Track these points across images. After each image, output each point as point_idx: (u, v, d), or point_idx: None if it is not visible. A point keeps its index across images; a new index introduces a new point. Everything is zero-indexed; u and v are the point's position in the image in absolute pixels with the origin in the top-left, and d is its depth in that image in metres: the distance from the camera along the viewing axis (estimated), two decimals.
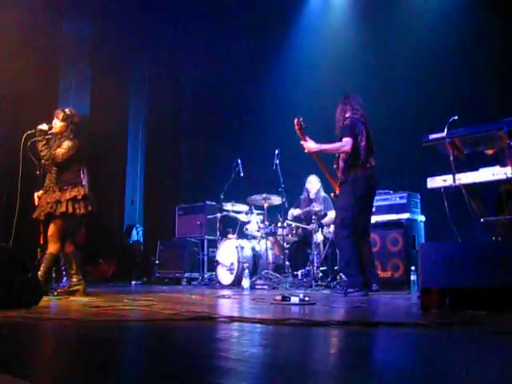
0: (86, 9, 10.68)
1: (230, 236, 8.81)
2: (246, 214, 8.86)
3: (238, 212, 9.02)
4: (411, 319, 3.45)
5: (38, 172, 5.92)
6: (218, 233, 9.08)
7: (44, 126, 5.80)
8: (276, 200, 8.49)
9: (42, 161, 5.84)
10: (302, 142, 6.18)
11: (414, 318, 3.68)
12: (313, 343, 2.57)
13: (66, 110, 5.97)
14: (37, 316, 3.53)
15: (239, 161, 8.78)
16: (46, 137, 5.83)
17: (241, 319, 3.29)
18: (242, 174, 8.75)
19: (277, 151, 8.12)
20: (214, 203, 9.61)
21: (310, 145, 6.11)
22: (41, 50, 9.09)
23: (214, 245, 9.34)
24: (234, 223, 9.12)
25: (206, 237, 9.64)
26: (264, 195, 8.40)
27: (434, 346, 2.40)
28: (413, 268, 6.87)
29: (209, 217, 9.49)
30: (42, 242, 6.24)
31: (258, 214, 8.69)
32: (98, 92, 11.14)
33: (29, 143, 5.72)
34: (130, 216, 12.46)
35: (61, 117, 5.89)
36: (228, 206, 8.94)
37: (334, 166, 6.28)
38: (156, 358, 2.11)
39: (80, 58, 11.31)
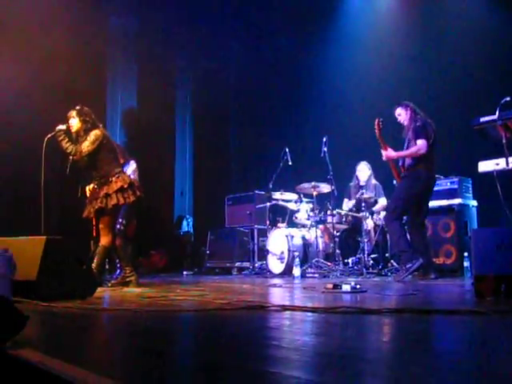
0: (132, 3, 10.78)
1: (279, 225, 8.81)
2: (296, 202, 8.83)
3: (288, 201, 9.01)
4: (465, 306, 3.40)
5: (67, 170, 5.92)
6: (268, 222, 9.08)
7: (62, 126, 5.76)
8: (325, 188, 8.45)
9: (70, 157, 5.78)
10: (382, 151, 6.46)
11: (468, 305, 3.62)
12: (365, 331, 2.56)
13: (77, 107, 5.90)
14: (92, 307, 3.61)
15: (287, 149, 8.75)
16: (66, 137, 5.77)
17: (292, 308, 3.30)
18: (290, 163, 8.72)
19: (324, 139, 8.07)
20: (263, 192, 9.60)
21: (389, 154, 6.41)
22: (88, 45, 9.22)
23: (263, 234, 9.34)
24: (283, 212, 9.11)
25: (256, 226, 9.65)
26: (313, 183, 8.35)
27: (490, 334, 2.36)
28: (466, 254, 6.76)
29: (258, 206, 9.49)
30: (94, 234, 6.35)
31: (308, 203, 8.66)
32: (145, 84, 11.25)
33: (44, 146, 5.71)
34: (179, 207, 12.57)
35: (74, 114, 5.83)
36: (277, 195, 8.92)
37: (400, 164, 6.49)
38: (208, 346, 2.13)
39: (126, 52, 11.42)
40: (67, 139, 5.73)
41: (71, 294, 4.11)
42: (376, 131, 6.37)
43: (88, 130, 5.79)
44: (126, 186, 5.76)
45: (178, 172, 12.74)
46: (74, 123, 5.82)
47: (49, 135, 5.74)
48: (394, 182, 6.70)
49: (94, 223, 6.40)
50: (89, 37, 9.20)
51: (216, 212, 10.78)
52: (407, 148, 6.37)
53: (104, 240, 5.79)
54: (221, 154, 12.38)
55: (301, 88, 11.05)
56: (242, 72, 12.29)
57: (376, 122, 6.37)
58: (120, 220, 7.66)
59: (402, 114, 6.54)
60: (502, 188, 4.66)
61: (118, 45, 11.15)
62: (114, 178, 5.78)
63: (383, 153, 6.45)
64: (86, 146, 5.70)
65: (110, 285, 5.89)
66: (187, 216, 12.31)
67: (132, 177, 8.08)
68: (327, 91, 10.29)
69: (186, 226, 12.09)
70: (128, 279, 5.97)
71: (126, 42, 11.35)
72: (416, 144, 6.19)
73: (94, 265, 5.59)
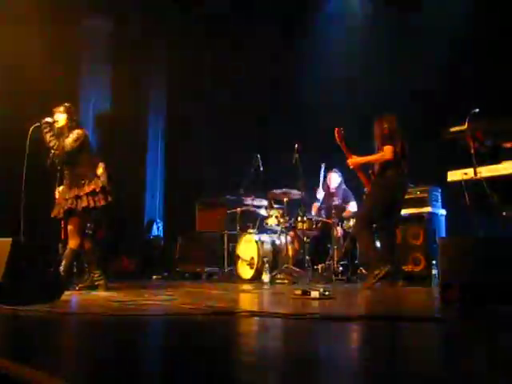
0: (106, 4, 10.71)
1: (250, 230, 8.82)
2: (266, 208, 8.86)
3: (258, 206, 9.03)
4: (431, 314, 3.43)
5: (48, 162, 5.88)
6: (238, 227, 9.08)
7: (49, 119, 5.82)
8: (296, 194, 8.48)
9: (52, 152, 5.79)
10: (348, 161, 6.47)
11: (433, 312, 3.66)
12: (333, 338, 2.57)
13: (66, 104, 5.97)
14: (58, 310, 3.57)
15: (258, 156, 8.77)
16: (51, 130, 5.80)
17: (261, 314, 3.30)
18: (261, 169, 8.75)
19: (296, 145, 8.09)
20: (234, 198, 9.60)
21: (355, 161, 6.43)
22: (61, 46, 9.14)
23: (234, 239, 9.32)
24: (254, 218, 9.11)
25: (226, 231, 9.64)
26: (284, 189, 8.38)
27: (454, 341, 2.39)
28: (434, 262, 6.82)
29: (229, 211, 9.47)
30: (63, 237, 6.28)
31: (278, 209, 8.68)
32: (119, 86, 11.19)
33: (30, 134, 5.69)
34: (150, 211, 12.51)
35: (62, 110, 5.90)
36: (248, 201, 8.94)
37: (370, 171, 6.49)
38: (176, 352, 2.13)
39: (100, 53, 11.35)
40: (52, 133, 5.77)
41: (38, 297, 4.06)
42: (337, 140, 6.43)
43: (71, 129, 5.83)
44: (97, 190, 5.74)
45: (150, 175, 12.68)
46: (61, 118, 5.88)
47: (35, 124, 5.75)
48: (365, 189, 6.73)
49: (62, 225, 6.33)
50: (62, 37, 9.12)
51: (186, 216, 10.73)
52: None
53: (72, 243, 5.73)
54: (193, 158, 12.34)
55: (273, 94, 11.07)
56: (216, 77, 12.27)
57: (336, 131, 6.42)
58: (89, 224, 7.60)
59: (375, 128, 6.55)
60: (470, 197, 4.72)
61: (91, 45, 11.07)
62: (86, 181, 5.76)
63: (349, 161, 6.47)
64: (69, 142, 5.74)
65: (77, 288, 5.84)
66: (157, 220, 12.26)
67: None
68: (300, 98, 10.32)
69: (156, 229, 12.04)
70: (97, 283, 5.93)
71: (100, 43, 11.27)
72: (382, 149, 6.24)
73: (61, 268, 5.54)
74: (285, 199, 8.40)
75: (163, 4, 10.98)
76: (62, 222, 6.14)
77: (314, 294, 4.42)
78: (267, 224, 8.69)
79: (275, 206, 8.75)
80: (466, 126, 4.70)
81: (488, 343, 2.29)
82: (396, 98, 8.40)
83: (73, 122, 5.90)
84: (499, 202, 4.83)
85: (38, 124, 5.78)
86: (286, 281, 7.64)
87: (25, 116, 6.06)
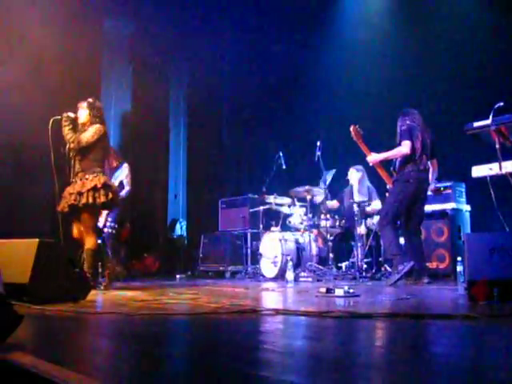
0: (126, 6, 10.76)
1: (273, 229, 8.81)
2: (289, 206, 8.85)
3: (281, 205, 9.01)
4: (458, 311, 3.40)
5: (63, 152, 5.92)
6: (261, 226, 9.08)
7: (71, 114, 5.86)
8: (318, 192, 8.46)
9: (67, 146, 5.83)
10: (367, 158, 6.54)
11: (461, 309, 3.62)
12: (358, 336, 2.56)
13: (89, 99, 6.02)
14: (84, 310, 3.59)
15: (281, 153, 8.77)
16: (72, 124, 5.85)
17: (285, 312, 3.29)
18: (284, 167, 8.74)
19: (318, 143, 8.07)
20: (256, 196, 9.60)
21: (373, 158, 6.49)
22: (82, 48, 9.20)
23: (257, 238, 9.33)
24: (276, 216, 9.11)
25: (249, 230, 9.63)
26: (306, 187, 8.35)
27: (482, 339, 2.36)
28: (459, 259, 6.76)
29: (252, 210, 9.47)
30: (61, 237, 6.20)
31: (301, 207, 8.66)
32: (139, 87, 11.24)
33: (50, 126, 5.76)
34: (173, 210, 12.55)
35: (85, 106, 5.95)
36: (271, 199, 8.93)
37: (392, 168, 6.51)
38: (201, 351, 2.13)
39: (121, 55, 11.42)
40: (71, 126, 5.82)
41: (64, 297, 4.09)
42: (354, 138, 6.43)
43: (93, 124, 5.87)
44: (99, 186, 5.67)
45: (172, 175, 12.72)
46: (83, 114, 5.93)
47: (55, 117, 5.81)
48: (388, 186, 6.70)
49: (61, 226, 6.20)
50: (83, 38, 9.18)
51: (210, 215, 10.77)
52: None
53: (89, 243, 5.70)
54: (215, 158, 12.37)
55: (295, 92, 11.06)
56: (237, 76, 12.28)
57: (352, 129, 6.43)
58: (112, 224, 7.65)
59: (398, 123, 6.55)
60: (495, 193, 4.67)
61: (112, 47, 11.14)
62: (91, 176, 5.73)
63: (368, 158, 6.54)
64: (86, 137, 5.77)
65: (102, 288, 5.85)
66: (181, 219, 12.30)
67: (125, 180, 8.09)
68: (321, 95, 10.30)
69: (180, 229, 12.08)
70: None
71: (121, 44, 11.34)
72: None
73: (85, 269, 5.55)
74: (308, 197, 8.38)
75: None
76: (61, 223, 6.04)
77: (339, 291, 4.41)
78: (290, 222, 8.68)
79: (298, 203, 8.73)
80: (490, 121, 4.64)
81: None
82: (421, 91, 8.34)
83: (96, 119, 5.93)
84: None
85: (58, 117, 5.83)
86: (309, 279, 7.62)
87: (46, 113, 6.09)
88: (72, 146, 5.78)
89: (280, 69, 11.09)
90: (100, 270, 6.10)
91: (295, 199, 8.77)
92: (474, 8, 8.61)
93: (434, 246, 7.35)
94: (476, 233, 6.67)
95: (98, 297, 4.99)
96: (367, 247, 7.89)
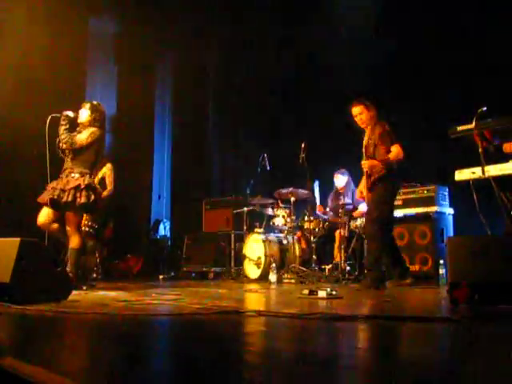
0: (112, 5, 10.73)
1: (256, 230, 8.82)
2: (273, 208, 8.85)
3: (265, 206, 9.02)
4: (440, 314, 3.41)
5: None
6: (245, 227, 9.08)
7: (70, 113, 5.85)
8: (303, 194, 8.47)
9: (60, 145, 5.80)
10: (362, 162, 6.21)
11: (442, 312, 3.65)
12: (340, 337, 2.56)
13: (93, 102, 6.04)
14: (66, 310, 3.56)
15: (265, 155, 8.77)
16: (69, 124, 5.83)
17: (268, 313, 3.29)
18: (268, 168, 8.75)
19: (303, 144, 8.08)
20: (240, 197, 9.60)
21: (371, 163, 6.08)
22: (67, 48, 9.16)
23: (241, 239, 9.33)
24: (260, 217, 9.11)
25: (233, 231, 9.63)
26: (290, 189, 8.36)
27: (462, 341, 2.38)
28: (441, 262, 6.80)
29: (236, 211, 9.47)
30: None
31: (285, 208, 8.67)
32: (124, 86, 11.21)
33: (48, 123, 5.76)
34: (157, 211, 12.51)
35: (88, 107, 5.94)
36: (255, 201, 8.93)
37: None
38: (183, 352, 2.12)
39: (106, 55, 11.38)
40: (68, 126, 5.79)
41: (45, 296, 4.06)
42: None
43: (90, 126, 5.87)
44: (82, 186, 5.63)
45: (156, 176, 12.68)
46: (84, 115, 5.92)
47: (54, 114, 5.81)
48: (358, 193, 6.64)
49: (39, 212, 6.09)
50: (68, 37, 9.14)
51: (193, 216, 10.74)
52: (371, 154, 6.16)
53: (73, 242, 5.67)
54: (199, 159, 12.34)
55: (280, 93, 11.06)
56: (222, 76, 12.28)
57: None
58: (90, 223, 7.61)
59: (363, 113, 6.26)
60: (478, 196, 4.70)
61: (97, 46, 11.09)
62: (76, 175, 5.70)
63: (363, 163, 6.17)
64: (80, 139, 5.75)
65: (85, 288, 5.79)
66: (164, 220, 12.27)
67: (108, 180, 8.07)
68: (306, 96, 10.30)
69: (163, 229, 12.04)
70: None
71: (106, 43, 11.30)
72: (389, 149, 6.02)
73: (68, 269, 5.52)
74: (292, 199, 8.39)
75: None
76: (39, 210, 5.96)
77: (321, 293, 4.42)
78: (274, 224, 8.69)
79: (282, 205, 8.74)
80: (473, 125, 4.67)
81: (495, 344, 2.27)
82: (405, 95, 8.37)
83: (95, 122, 5.92)
84: (507, 202, 4.80)
85: (57, 115, 5.82)
86: (292, 280, 7.63)
87: (31, 112, 6.07)
88: (65, 146, 5.76)
89: (265, 70, 11.08)
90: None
91: (279, 201, 8.78)
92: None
93: (416, 249, 7.38)
94: (459, 236, 6.71)
95: (80, 297, 4.96)
96: (350, 250, 7.90)
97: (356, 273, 7.65)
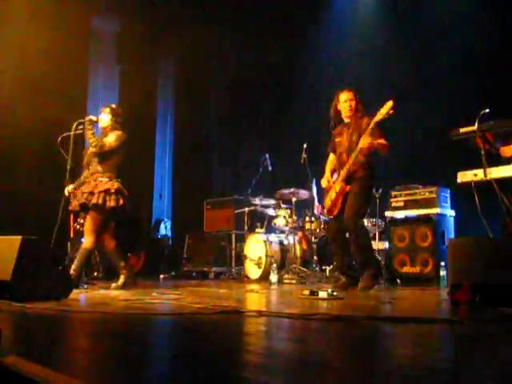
0: (114, 4, 10.73)
1: (257, 230, 8.81)
2: (274, 208, 8.85)
3: (266, 206, 9.02)
4: (441, 315, 3.41)
5: (68, 166, 6.00)
6: (246, 227, 9.08)
7: (93, 117, 5.99)
8: (304, 194, 8.47)
9: (90, 149, 5.99)
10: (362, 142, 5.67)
11: (443, 313, 3.64)
12: (341, 338, 2.56)
13: (113, 106, 6.22)
14: (66, 308, 3.56)
15: (267, 155, 8.78)
16: (93, 127, 5.97)
17: (269, 313, 3.29)
18: (270, 169, 8.75)
19: (305, 145, 8.08)
20: (242, 197, 9.60)
21: (372, 142, 5.67)
22: (69, 47, 9.17)
23: (241, 239, 9.32)
24: (262, 218, 9.11)
25: (234, 231, 9.63)
26: (292, 189, 8.37)
27: (464, 342, 2.37)
28: (442, 263, 6.80)
29: (237, 211, 9.47)
30: (72, 235, 6.33)
31: (286, 209, 8.66)
32: (126, 87, 11.21)
33: (59, 139, 5.88)
34: (158, 210, 12.52)
35: (107, 111, 6.10)
36: (256, 201, 8.93)
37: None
38: (184, 351, 2.12)
39: (108, 54, 11.39)
40: (94, 130, 5.93)
41: (46, 294, 4.07)
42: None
43: (114, 129, 6.04)
44: (111, 191, 5.80)
45: (158, 175, 12.69)
46: (105, 119, 6.08)
47: (79, 120, 5.99)
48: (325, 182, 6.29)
49: (72, 223, 6.38)
50: (70, 36, 9.15)
51: (194, 216, 10.74)
52: (356, 140, 5.83)
53: (86, 242, 5.78)
54: (201, 158, 12.34)
55: (282, 93, 11.06)
56: (223, 75, 12.28)
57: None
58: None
59: (353, 101, 6.05)
60: (480, 198, 4.69)
61: (100, 46, 11.10)
62: (105, 179, 5.86)
63: (366, 141, 5.63)
64: (109, 142, 5.92)
65: (112, 287, 5.89)
66: (165, 219, 12.27)
67: None
68: (309, 96, 10.30)
69: (164, 229, 12.05)
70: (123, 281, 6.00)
71: (108, 43, 11.30)
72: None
73: (73, 266, 5.56)
74: (293, 199, 8.39)
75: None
76: (72, 221, 6.19)
77: (322, 294, 4.41)
78: (275, 224, 8.68)
79: (283, 205, 8.73)
80: (475, 127, 4.66)
81: (496, 346, 2.27)
82: (408, 94, 8.36)
83: (117, 124, 6.09)
84: (509, 204, 4.79)
85: (81, 120, 5.98)
86: (293, 281, 7.63)
87: (33, 111, 6.10)
88: (94, 149, 5.91)
89: (267, 71, 11.09)
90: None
91: (280, 201, 8.78)
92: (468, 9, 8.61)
93: (417, 251, 7.37)
94: (460, 238, 6.70)
95: (81, 295, 4.97)
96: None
97: (357, 274, 7.64)
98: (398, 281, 7.18)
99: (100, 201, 5.70)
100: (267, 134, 11.08)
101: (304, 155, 8.04)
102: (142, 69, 11.26)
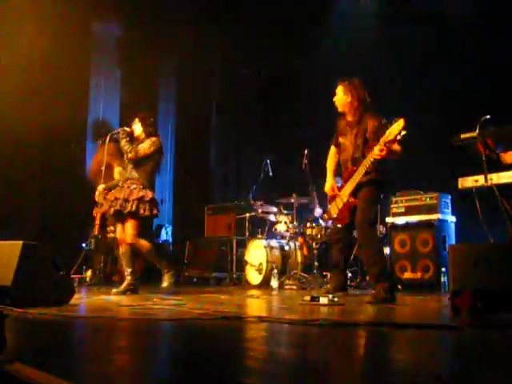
0: (115, 9, 10.75)
1: (258, 236, 8.81)
2: (275, 214, 8.85)
3: (267, 212, 9.02)
4: (442, 321, 3.40)
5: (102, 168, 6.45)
6: (247, 233, 9.08)
7: (127, 128, 6.20)
8: (305, 200, 8.47)
9: (125, 156, 6.13)
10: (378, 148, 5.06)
11: (444, 319, 3.64)
12: (341, 344, 2.55)
13: (140, 115, 6.35)
14: (68, 314, 3.56)
15: (268, 161, 8.79)
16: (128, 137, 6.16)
17: (269, 319, 3.29)
18: (271, 174, 8.76)
19: (306, 151, 8.08)
20: (242, 203, 9.61)
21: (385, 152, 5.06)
22: (71, 52, 9.19)
23: (242, 245, 9.32)
24: (262, 223, 9.12)
25: (235, 237, 9.62)
26: (293, 195, 8.37)
27: (464, 348, 2.37)
28: (443, 269, 6.80)
29: (238, 217, 9.47)
30: (96, 232, 6.54)
31: (287, 214, 8.66)
32: (128, 92, 11.23)
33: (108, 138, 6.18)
34: (159, 216, 12.51)
35: (137, 121, 6.26)
36: (257, 206, 8.93)
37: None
38: (185, 357, 2.12)
39: (109, 59, 11.40)
40: (128, 139, 6.12)
41: (47, 300, 4.06)
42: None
43: (149, 135, 6.19)
44: (146, 199, 5.93)
45: (159, 180, 12.68)
46: (137, 129, 6.26)
47: (114, 131, 6.29)
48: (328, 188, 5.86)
49: (97, 221, 6.60)
50: (72, 41, 9.17)
51: (195, 221, 10.74)
52: (362, 146, 5.39)
53: (141, 247, 6.11)
54: (201, 164, 12.35)
55: (283, 99, 11.06)
56: (225, 83, 12.30)
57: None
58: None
59: (347, 96, 5.61)
60: (481, 204, 4.69)
61: (101, 50, 11.12)
62: (138, 187, 5.96)
63: (382, 148, 5.02)
64: (144, 148, 6.05)
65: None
66: (166, 225, 12.26)
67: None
68: (309, 102, 10.30)
69: (165, 234, 12.03)
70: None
71: (109, 48, 11.32)
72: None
73: (158, 265, 6.32)
74: (294, 205, 8.40)
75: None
76: (97, 219, 6.38)
77: (323, 300, 4.41)
78: (276, 230, 8.68)
79: (284, 211, 8.73)
80: (476, 133, 4.67)
81: (497, 352, 2.27)
82: (408, 103, 8.36)
83: (150, 131, 6.24)
84: (510, 209, 4.79)
85: (116, 131, 6.24)
86: (294, 287, 7.62)
87: (34, 117, 6.12)
88: (130, 155, 6.04)
89: (268, 76, 11.10)
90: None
91: (281, 207, 8.78)
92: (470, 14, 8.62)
93: (418, 257, 7.36)
94: (461, 244, 6.70)
95: (82, 301, 4.96)
96: (352, 256, 7.88)
97: (358, 280, 7.65)
98: (399, 286, 7.17)
99: (134, 208, 5.82)
100: (268, 139, 11.06)
101: (305, 161, 8.05)
102: (143, 73, 11.27)
